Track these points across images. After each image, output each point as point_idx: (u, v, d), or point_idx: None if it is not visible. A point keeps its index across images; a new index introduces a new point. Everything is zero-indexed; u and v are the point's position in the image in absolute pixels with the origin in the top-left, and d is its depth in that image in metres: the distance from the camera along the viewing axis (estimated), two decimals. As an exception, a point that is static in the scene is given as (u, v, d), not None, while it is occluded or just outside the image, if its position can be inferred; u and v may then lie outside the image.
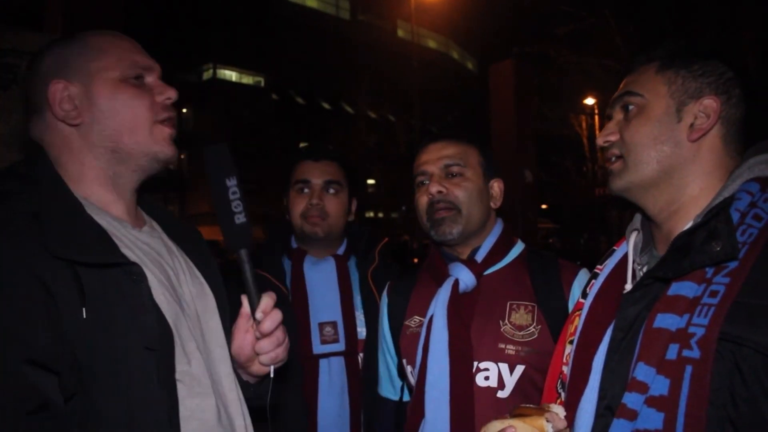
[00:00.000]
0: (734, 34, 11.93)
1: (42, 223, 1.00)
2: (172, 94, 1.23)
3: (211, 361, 1.20)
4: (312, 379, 1.94)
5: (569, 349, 1.25)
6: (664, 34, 13.03)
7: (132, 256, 1.11)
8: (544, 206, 25.07)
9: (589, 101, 20.38)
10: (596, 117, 20.23)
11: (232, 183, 1.15)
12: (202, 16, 25.67)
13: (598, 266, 1.33)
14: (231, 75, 29.24)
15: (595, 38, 15.43)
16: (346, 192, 2.13)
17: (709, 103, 1.09)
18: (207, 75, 28.21)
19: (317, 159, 2.10)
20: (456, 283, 1.62)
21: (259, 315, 1.16)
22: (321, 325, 2.00)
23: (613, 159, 1.19)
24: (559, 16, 15.95)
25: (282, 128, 27.58)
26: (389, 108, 25.22)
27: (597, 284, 1.27)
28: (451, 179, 1.67)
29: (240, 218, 1.15)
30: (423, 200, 1.69)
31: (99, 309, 1.00)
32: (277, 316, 1.19)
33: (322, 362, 1.95)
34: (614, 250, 1.32)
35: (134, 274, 1.06)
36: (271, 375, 1.22)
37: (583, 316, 1.24)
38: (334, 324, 2.00)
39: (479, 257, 1.67)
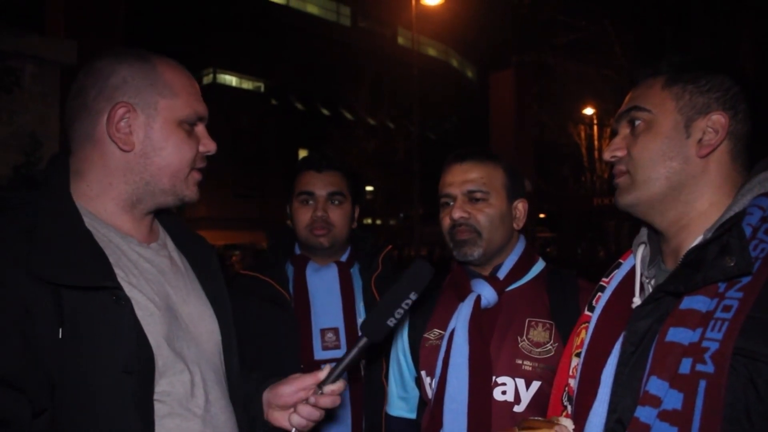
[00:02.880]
0: (731, 45, 12.02)
1: (32, 242, 1.02)
2: (213, 148, 1.30)
3: (202, 383, 1.21)
4: None
5: (576, 362, 1.25)
6: (662, 44, 13.12)
7: (123, 276, 1.12)
8: (542, 215, 25.13)
9: (588, 111, 20.47)
10: (595, 127, 20.31)
11: (413, 297, 1.25)
12: (202, 20, 25.73)
13: (604, 279, 1.33)
14: (231, 80, 29.28)
15: (594, 48, 15.53)
16: (350, 201, 2.14)
17: (718, 118, 1.09)
18: (207, 80, 28.23)
19: (321, 170, 2.10)
20: (478, 299, 1.65)
21: (327, 389, 1.25)
22: (323, 331, 1.99)
23: (620, 173, 1.19)
24: (558, 26, 16.07)
25: (281, 133, 27.63)
26: (388, 115, 25.26)
27: (604, 297, 1.27)
28: (475, 204, 1.69)
29: (392, 321, 1.24)
30: (446, 221, 1.73)
31: (77, 330, 1.01)
32: (337, 400, 1.28)
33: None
34: (620, 263, 1.32)
35: (118, 297, 1.06)
36: None
37: (590, 329, 1.24)
38: (335, 330, 2.00)
39: (501, 274, 1.70)
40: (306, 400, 1.26)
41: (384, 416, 1.92)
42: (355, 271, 2.14)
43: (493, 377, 1.57)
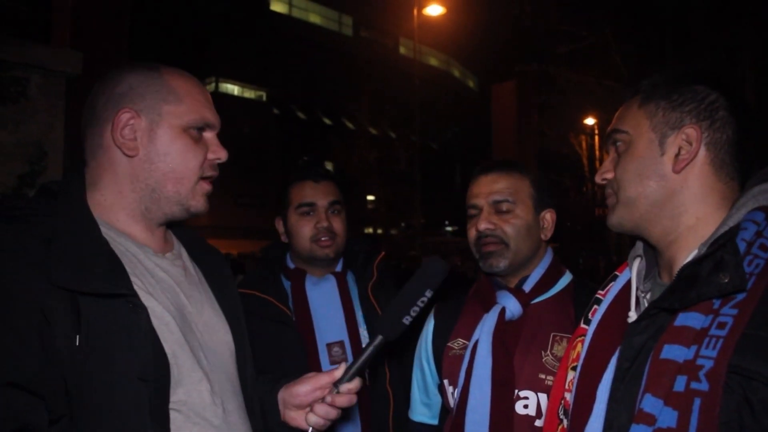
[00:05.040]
0: (731, 55, 12.05)
1: (51, 251, 1.03)
2: (223, 155, 1.28)
3: (219, 393, 1.21)
4: None
5: (572, 376, 1.25)
6: (663, 54, 13.16)
7: (140, 285, 1.13)
8: (543, 224, 25.00)
9: (589, 121, 20.47)
10: (596, 137, 20.31)
11: (428, 294, 1.26)
12: (205, 30, 25.88)
13: (600, 292, 1.33)
14: (233, 89, 29.40)
15: (595, 58, 15.58)
16: (345, 209, 2.15)
17: (690, 131, 1.09)
18: (209, 89, 28.34)
19: (318, 180, 2.10)
20: (503, 311, 1.65)
21: (344, 389, 1.24)
22: (329, 346, 1.99)
23: (608, 195, 1.21)
24: (559, 36, 16.12)
25: (283, 142, 27.69)
26: (389, 124, 25.31)
27: (600, 311, 1.27)
28: (501, 215, 1.69)
29: (408, 320, 1.25)
30: (472, 233, 1.73)
31: (94, 337, 1.02)
32: (353, 399, 1.26)
33: None
34: (616, 276, 1.31)
35: (134, 304, 1.07)
36: None
37: (586, 343, 1.23)
38: (341, 344, 1.99)
39: (527, 287, 1.69)
40: (323, 399, 1.25)
41: (392, 422, 1.93)
42: (350, 279, 2.14)
43: (516, 391, 1.57)
